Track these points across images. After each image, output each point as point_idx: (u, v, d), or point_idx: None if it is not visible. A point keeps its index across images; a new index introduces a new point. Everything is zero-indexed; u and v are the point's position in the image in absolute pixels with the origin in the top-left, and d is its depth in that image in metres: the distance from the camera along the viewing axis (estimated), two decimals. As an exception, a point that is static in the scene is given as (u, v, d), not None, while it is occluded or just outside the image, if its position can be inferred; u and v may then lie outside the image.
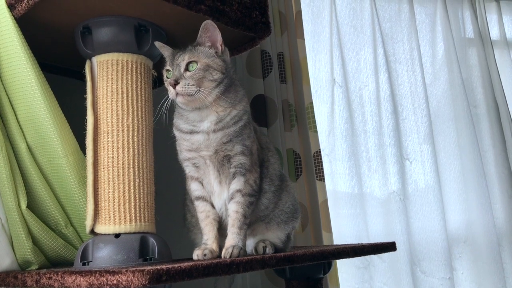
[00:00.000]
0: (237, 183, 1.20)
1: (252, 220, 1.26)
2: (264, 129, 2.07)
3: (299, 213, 1.38)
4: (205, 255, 1.14)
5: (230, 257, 1.10)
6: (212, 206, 1.24)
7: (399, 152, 2.57)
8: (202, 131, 1.19)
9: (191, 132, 1.20)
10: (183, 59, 1.16)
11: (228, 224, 1.20)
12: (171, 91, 1.15)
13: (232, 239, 1.16)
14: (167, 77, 1.19)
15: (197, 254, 1.15)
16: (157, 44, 1.22)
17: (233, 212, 1.19)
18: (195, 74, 1.14)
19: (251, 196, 1.21)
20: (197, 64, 1.15)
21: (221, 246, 1.19)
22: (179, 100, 1.15)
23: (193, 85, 1.13)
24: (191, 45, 1.20)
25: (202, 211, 1.23)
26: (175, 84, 1.13)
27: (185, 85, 1.13)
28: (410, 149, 2.65)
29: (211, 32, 1.18)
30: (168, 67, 1.19)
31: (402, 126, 2.65)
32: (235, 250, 1.12)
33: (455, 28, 2.99)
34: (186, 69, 1.15)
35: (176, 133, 1.24)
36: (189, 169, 1.25)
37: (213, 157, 1.20)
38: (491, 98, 2.97)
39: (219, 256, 1.16)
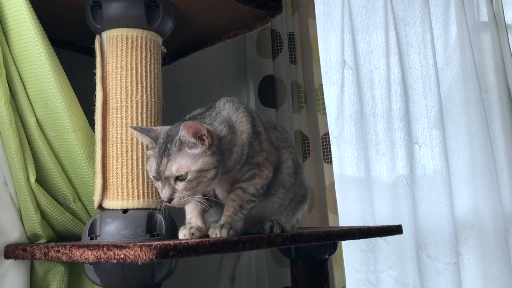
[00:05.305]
0: (241, 184, 1.16)
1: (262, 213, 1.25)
2: (272, 110, 2.06)
3: (308, 196, 1.37)
4: (192, 234, 1.08)
5: (219, 236, 1.05)
6: None
7: (408, 136, 2.55)
8: None
9: None
10: (171, 172, 1.02)
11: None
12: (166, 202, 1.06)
13: (223, 220, 1.11)
14: (154, 178, 1.07)
15: (183, 234, 1.08)
16: (132, 130, 1.13)
17: (230, 201, 1.14)
18: (188, 186, 1.02)
19: (253, 196, 1.16)
20: (188, 175, 1.02)
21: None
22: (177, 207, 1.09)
23: (188, 195, 1.04)
24: (173, 143, 1.03)
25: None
26: (169, 200, 1.04)
27: (180, 198, 1.03)
28: (420, 134, 2.63)
29: (193, 129, 1.01)
30: (154, 175, 1.05)
31: (412, 110, 2.63)
32: (223, 229, 1.06)
33: (469, 11, 2.93)
34: (177, 178, 1.03)
35: None
36: None
37: (223, 183, 1.17)
38: (503, 84, 2.92)
39: (207, 234, 1.11)
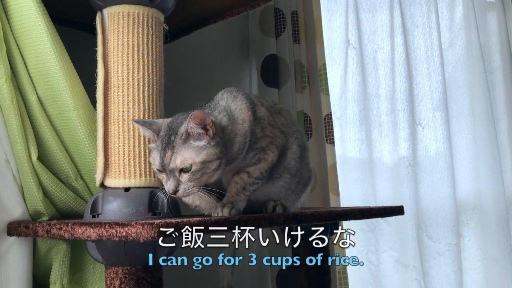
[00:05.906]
0: (247, 168, 1.16)
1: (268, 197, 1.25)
2: (275, 90, 2.04)
3: (312, 178, 1.37)
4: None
5: (220, 215, 1.06)
6: None
7: (411, 118, 2.54)
8: None
9: None
10: (175, 164, 1.02)
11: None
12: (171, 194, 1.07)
13: (225, 199, 1.11)
14: (158, 171, 1.07)
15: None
16: (136, 124, 1.12)
17: (233, 182, 1.14)
18: (192, 177, 1.03)
19: (257, 178, 1.16)
20: (192, 166, 1.02)
21: None
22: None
23: (193, 186, 1.04)
24: (178, 136, 1.03)
25: None
26: (174, 192, 1.04)
27: (185, 190, 1.04)
28: (423, 115, 2.62)
29: (199, 118, 1.01)
30: (158, 167, 1.06)
31: (416, 91, 2.61)
32: (225, 208, 1.06)
33: (476, -9, 2.89)
34: (181, 170, 1.03)
35: None
36: None
37: (227, 174, 1.16)
38: (508, 65, 2.90)
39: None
